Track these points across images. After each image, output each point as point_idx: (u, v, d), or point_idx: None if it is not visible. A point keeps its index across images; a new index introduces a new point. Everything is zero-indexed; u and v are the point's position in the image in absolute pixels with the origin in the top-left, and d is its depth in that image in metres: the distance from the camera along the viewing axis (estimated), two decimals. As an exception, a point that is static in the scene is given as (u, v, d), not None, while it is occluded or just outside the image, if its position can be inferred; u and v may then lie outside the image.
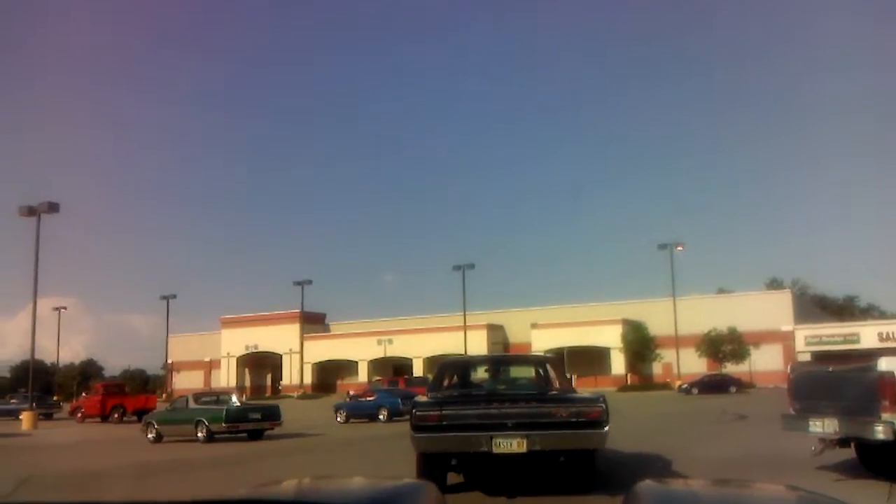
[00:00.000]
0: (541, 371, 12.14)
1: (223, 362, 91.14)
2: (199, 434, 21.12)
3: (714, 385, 52.49)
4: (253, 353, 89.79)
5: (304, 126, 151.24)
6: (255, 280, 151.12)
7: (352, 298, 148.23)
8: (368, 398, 31.07)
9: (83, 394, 56.45)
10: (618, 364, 73.04)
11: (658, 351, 65.04)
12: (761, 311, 70.11)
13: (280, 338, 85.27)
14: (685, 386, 53.78)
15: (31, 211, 33.97)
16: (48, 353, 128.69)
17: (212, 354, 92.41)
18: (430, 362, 79.60)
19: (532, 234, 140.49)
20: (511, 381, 12.27)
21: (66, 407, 49.09)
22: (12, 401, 46.11)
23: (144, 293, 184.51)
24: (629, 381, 68.13)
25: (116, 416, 37.72)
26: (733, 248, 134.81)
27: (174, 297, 75.91)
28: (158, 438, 22.31)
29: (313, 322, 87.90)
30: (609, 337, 72.42)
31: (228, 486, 12.08)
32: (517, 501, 9.50)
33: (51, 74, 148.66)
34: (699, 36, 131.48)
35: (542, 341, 76.72)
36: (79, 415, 40.12)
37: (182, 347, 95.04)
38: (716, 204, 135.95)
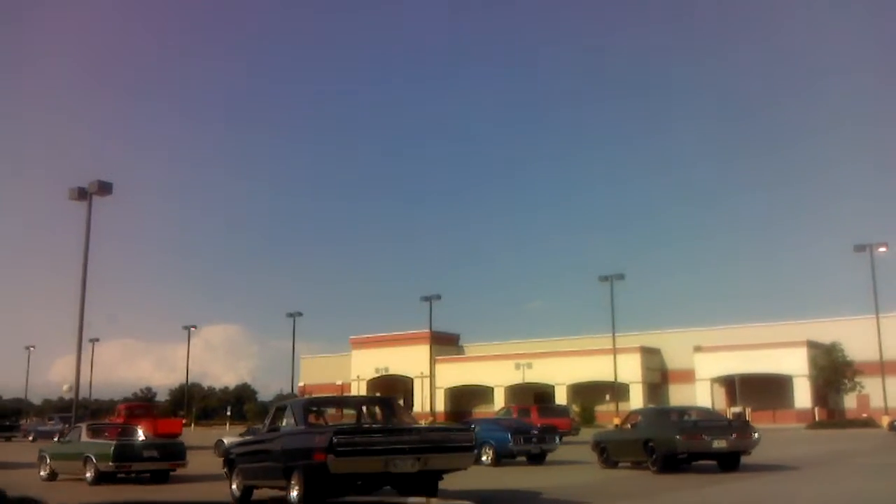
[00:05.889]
0: (389, 409, 14.09)
1: (353, 385, 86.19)
2: (88, 473, 17.67)
3: (940, 423, 41.08)
4: (383, 376, 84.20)
5: (438, 140, 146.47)
6: (391, 298, 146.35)
7: (487, 318, 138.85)
8: None
9: (108, 418, 55.75)
10: (801, 395, 61.12)
11: (858, 379, 52.98)
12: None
13: (411, 360, 79.02)
14: (900, 423, 42.13)
15: (82, 194, 29.27)
16: (209, 377, 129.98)
17: (344, 377, 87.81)
18: (575, 389, 70.67)
19: (692, 241, 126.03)
20: (372, 417, 14.33)
21: None
22: (49, 422, 46.26)
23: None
24: (817, 417, 56.27)
25: None
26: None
27: (300, 314, 71.60)
28: (52, 476, 18.93)
29: (445, 343, 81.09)
30: (790, 363, 60.75)
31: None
32: None
33: (192, 116, 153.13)
34: None
35: (707, 367, 65.91)
36: None
37: (317, 370, 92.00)
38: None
